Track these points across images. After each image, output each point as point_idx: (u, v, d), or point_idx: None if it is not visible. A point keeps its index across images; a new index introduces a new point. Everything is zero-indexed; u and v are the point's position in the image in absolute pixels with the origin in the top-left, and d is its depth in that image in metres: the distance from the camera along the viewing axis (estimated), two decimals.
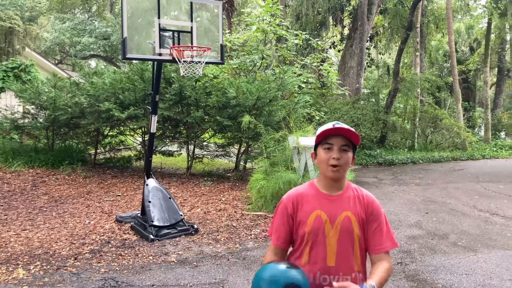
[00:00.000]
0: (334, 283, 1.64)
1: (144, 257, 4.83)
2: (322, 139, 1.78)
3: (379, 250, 1.81)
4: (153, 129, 5.90)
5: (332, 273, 1.76)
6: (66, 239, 5.41)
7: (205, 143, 10.45)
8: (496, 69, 25.38)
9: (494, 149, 18.64)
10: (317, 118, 11.94)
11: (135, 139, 10.93)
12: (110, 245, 5.22)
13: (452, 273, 4.50)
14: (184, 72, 5.25)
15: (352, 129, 1.76)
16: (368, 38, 19.67)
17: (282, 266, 1.67)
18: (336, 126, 1.74)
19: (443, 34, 23.88)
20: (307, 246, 1.79)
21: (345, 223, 1.76)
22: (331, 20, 21.16)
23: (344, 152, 1.76)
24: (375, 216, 1.81)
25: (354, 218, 1.78)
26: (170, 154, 10.65)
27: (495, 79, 26.70)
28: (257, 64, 11.86)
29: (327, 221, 1.76)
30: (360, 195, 1.84)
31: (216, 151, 10.69)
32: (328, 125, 1.78)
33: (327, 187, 1.82)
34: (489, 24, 21.56)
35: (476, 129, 25.19)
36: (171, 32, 5.29)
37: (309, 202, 1.80)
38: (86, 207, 7.07)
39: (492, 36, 22.61)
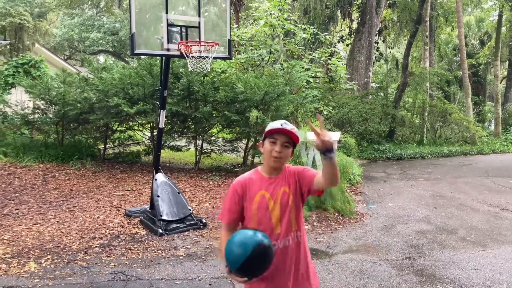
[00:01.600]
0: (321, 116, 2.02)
1: (153, 251, 4.87)
2: (270, 134, 2.15)
3: (314, 176, 2.15)
4: (162, 124, 5.93)
5: (279, 238, 2.15)
6: (76, 233, 5.47)
7: (213, 138, 10.46)
8: (507, 62, 25.05)
9: (504, 143, 18.44)
10: (325, 112, 11.90)
11: (144, 134, 10.98)
12: (119, 239, 5.27)
13: (461, 268, 4.48)
14: (192, 67, 5.26)
15: (294, 130, 2.13)
16: (377, 32, 19.52)
17: (249, 231, 2.02)
18: (283, 126, 2.12)
19: (453, 27, 23.62)
20: (255, 221, 2.17)
21: (283, 197, 2.17)
22: (339, 14, 21.05)
23: (285, 148, 2.14)
24: (300, 171, 2.20)
25: (289, 190, 2.18)
26: (178, 149, 10.69)
27: (505, 73, 26.37)
28: (265, 58, 11.84)
29: (270, 199, 2.17)
30: (290, 170, 2.23)
31: (224, 146, 10.70)
32: (276, 124, 2.14)
33: (269, 172, 2.22)
34: (500, 17, 21.27)
35: (486, 123, 24.91)
36: (179, 27, 5.29)
37: (254, 185, 2.20)
38: (96, 201, 7.13)
39: (503, 29, 22.30)
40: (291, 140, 2.14)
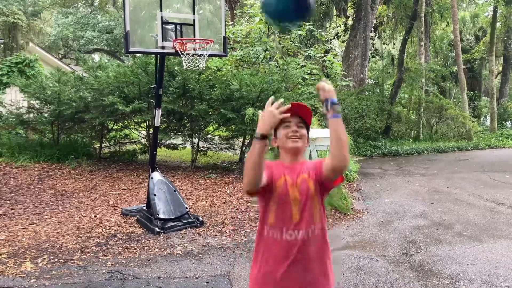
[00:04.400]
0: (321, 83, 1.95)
1: (150, 250, 4.86)
2: (281, 122, 2.02)
3: (324, 160, 2.04)
4: (157, 122, 5.91)
5: (297, 228, 1.98)
6: (72, 232, 5.45)
7: (209, 136, 10.45)
8: (502, 58, 25.13)
9: (500, 138, 18.53)
10: (321, 109, 11.89)
11: (140, 132, 10.95)
12: (116, 238, 5.25)
13: (458, 263, 4.50)
14: (187, 65, 5.24)
15: (306, 104, 2.08)
16: (372, 28, 19.53)
17: None
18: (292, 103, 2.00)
19: (448, 23, 23.65)
20: (273, 208, 2.01)
21: (303, 185, 2.01)
22: (334, 11, 21.05)
23: (300, 128, 2.07)
24: (317, 161, 2.08)
25: (308, 177, 2.02)
26: (174, 147, 10.67)
27: (500, 68, 26.46)
28: (261, 56, 11.81)
29: (292, 185, 2.00)
30: (309, 162, 2.12)
31: (220, 144, 10.69)
32: None
33: (289, 159, 2.09)
34: (495, 12, 21.31)
35: (482, 118, 24.99)
36: (174, 25, 5.27)
37: (278, 169, 2.05)
38: (92, 201, 7.11)
39: (498, 24, 22.33)
40: (304, 121, 2.10)
